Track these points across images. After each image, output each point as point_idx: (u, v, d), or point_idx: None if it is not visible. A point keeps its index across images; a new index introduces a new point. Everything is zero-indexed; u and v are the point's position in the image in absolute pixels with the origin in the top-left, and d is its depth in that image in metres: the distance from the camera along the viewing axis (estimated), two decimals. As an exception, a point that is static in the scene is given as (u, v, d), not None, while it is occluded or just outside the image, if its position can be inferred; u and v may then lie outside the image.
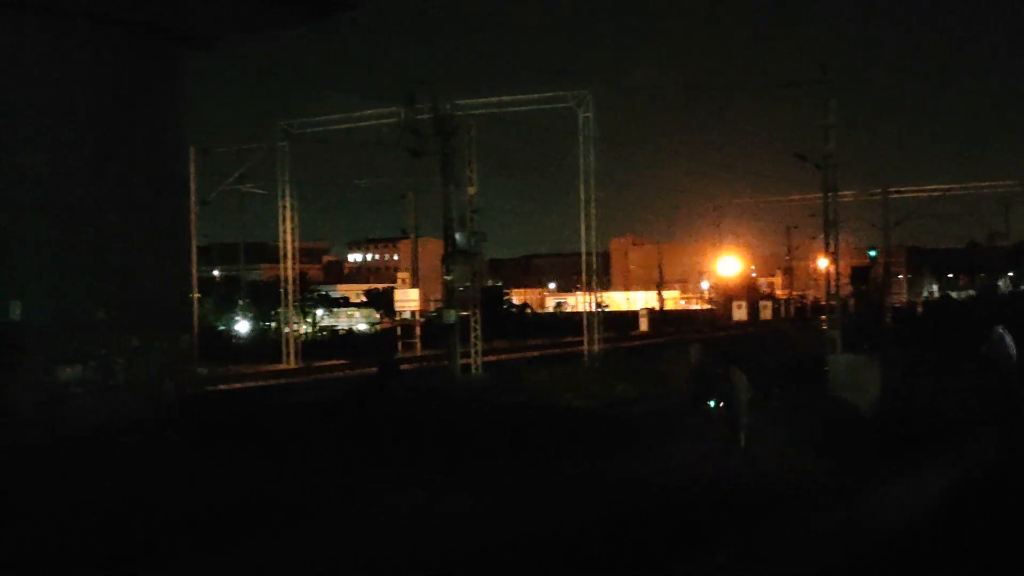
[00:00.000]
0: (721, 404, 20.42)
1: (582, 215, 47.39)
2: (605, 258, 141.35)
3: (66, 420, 21.16)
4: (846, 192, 71.06)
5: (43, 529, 13.61)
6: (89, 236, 23.41)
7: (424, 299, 70.44)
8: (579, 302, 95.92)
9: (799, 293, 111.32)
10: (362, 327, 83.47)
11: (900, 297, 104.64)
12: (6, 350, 17.19)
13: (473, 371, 38.91)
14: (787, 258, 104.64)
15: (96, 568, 12.36)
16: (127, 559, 12.65)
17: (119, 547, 13.08)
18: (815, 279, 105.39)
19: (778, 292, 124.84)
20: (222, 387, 34.25)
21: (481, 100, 44.52)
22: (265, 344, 57.35)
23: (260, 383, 37.56)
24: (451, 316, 38.74)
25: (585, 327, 47.88)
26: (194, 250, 26.91)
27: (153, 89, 25.10)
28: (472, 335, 39.89)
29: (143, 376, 24.26)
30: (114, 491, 15.77)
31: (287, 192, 51.68)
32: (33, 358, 21.29)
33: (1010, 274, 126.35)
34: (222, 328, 66.74)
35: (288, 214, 51.99)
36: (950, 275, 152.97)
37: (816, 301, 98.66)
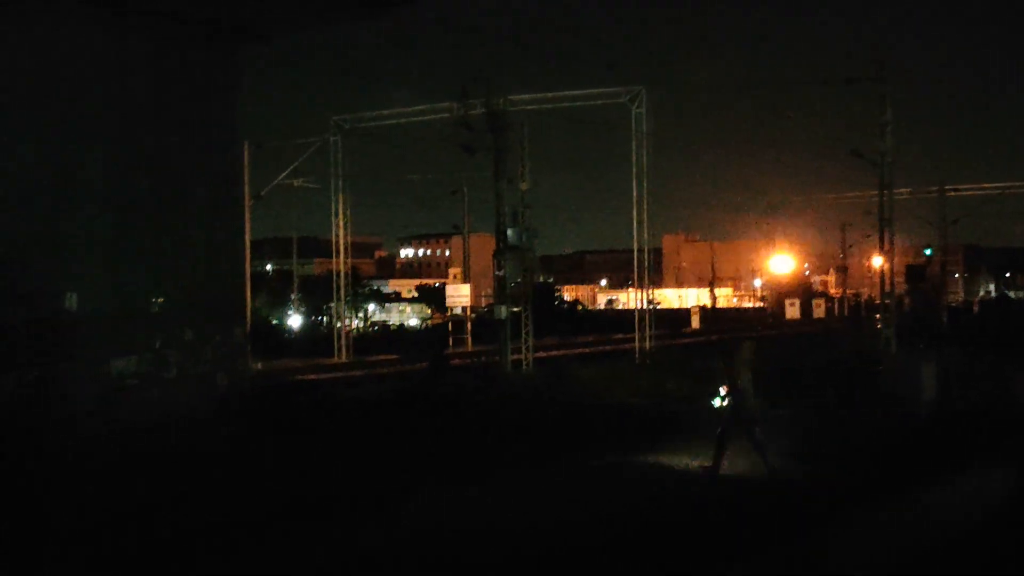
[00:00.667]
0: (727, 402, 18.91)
1: (635, 212, 47.27)
2: (657, 255, 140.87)
3: (121, 412, 21.33)
4: (902, 190, 70.45)
5: (98, 520, 13.71)
6: (144, 229, 23.60)
7: (475, 295, 70.50)
8: (631, 299, 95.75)
9: (853, 291, 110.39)
10: (413, 322, 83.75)
11: (956, 296, 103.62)
12: (63, 341, 17.33)
13: (524, 367, 38.88)
14: (841, 256, 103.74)
15: (152, 559, 12.44)
16: (180, 552, 12.74)
17: (172, 541, 13.16)
18: (870, 277, 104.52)
19: (831, 290, 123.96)
20: (274, 381, 34.42)
21: (534, 95, 44.50)
22: (317, 339, 57.66)
23: (312, 377, 37.73)
24: (502, 312, 38.77)
25: (636, 324, 47.74)
26: (247, 244, 27.02)
27: (208, 83, 25.25)
28: (523, 331, 39.87)
29: (197, 369, 24.44)
30: (168, 484, 15.88)
31: (340, 187, 51.92)
32: (89, 350, 21.44)
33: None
34: (275, 322, 67.16)
35: (341, 209, 52.21)
36: (1008, 274, 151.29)
37: (870, 300, 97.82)
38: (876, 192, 40.70)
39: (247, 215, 27.38)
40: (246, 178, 27.43)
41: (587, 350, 50.77)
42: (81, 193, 22.26)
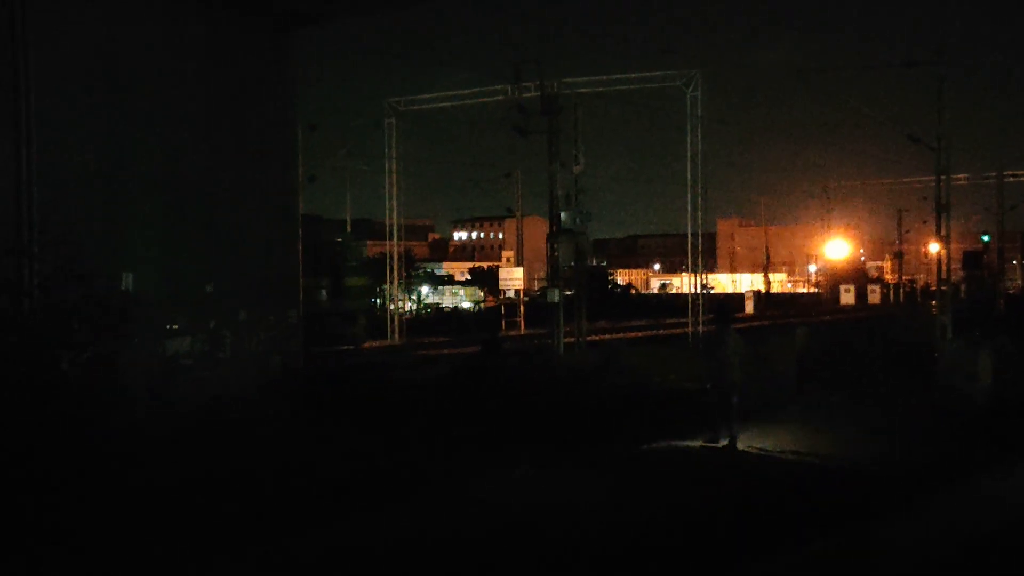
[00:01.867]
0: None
1: (689, 195, 47.07)
2: (711, 239, 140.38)
3: (174, 392, 21.48)
4: (960, 175, 69.75)
5: (158, 501, 13.81)
6: (199, 210, 23.73)
7: (528, 278, 70.49)
8: (684, 283, 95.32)
9: (908, 278, 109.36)
10: (466, 305, 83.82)
11: (1014, 283, 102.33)
12: (118, 321, 17.43)
13: (576, 351, 38.79)
14: (897, 242, 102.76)
15: (201, 540, 12.51)
16: (234, 532, 12.79)
17: (227, 520, 13.23)
18: (926, 264, 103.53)
19: (887, 276, 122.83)
20: (328, 362, 34.53)
21: (588, 78, 44.33)
22: (370, 320, 57.86)
23: (365, 359, 37.81)
24: (555, 295, 38.69)
25: (690, 309, 47.52)
26: (300, 226, 27.07)
27: (262, 64, 25.34)
28: (576, 315, 39.78)
29: (251, 350, 24.58)
30: (223, 464, 15.97)
31: (394, 169, 52.00)
32: (144, 330, 21.58)
33: None
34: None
35: (394, 191, 52.33)
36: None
37: (926, 286, 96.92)
38: (933, 177, 40.18)
39: (300, 196, 27.39)
40: (299, 159, 27.41)
41: (640, 334, 50.64)
42: (136, 175, 22.41)
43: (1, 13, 19.58)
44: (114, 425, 15.14)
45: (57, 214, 19.64)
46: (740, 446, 19.33)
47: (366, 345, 42.70)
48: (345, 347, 39.12)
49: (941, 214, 39.55)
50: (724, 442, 19.27)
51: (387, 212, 53.06)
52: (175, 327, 22.99)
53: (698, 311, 46.72)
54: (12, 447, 13.40)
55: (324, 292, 40.20)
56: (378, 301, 66.19)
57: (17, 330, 15.51)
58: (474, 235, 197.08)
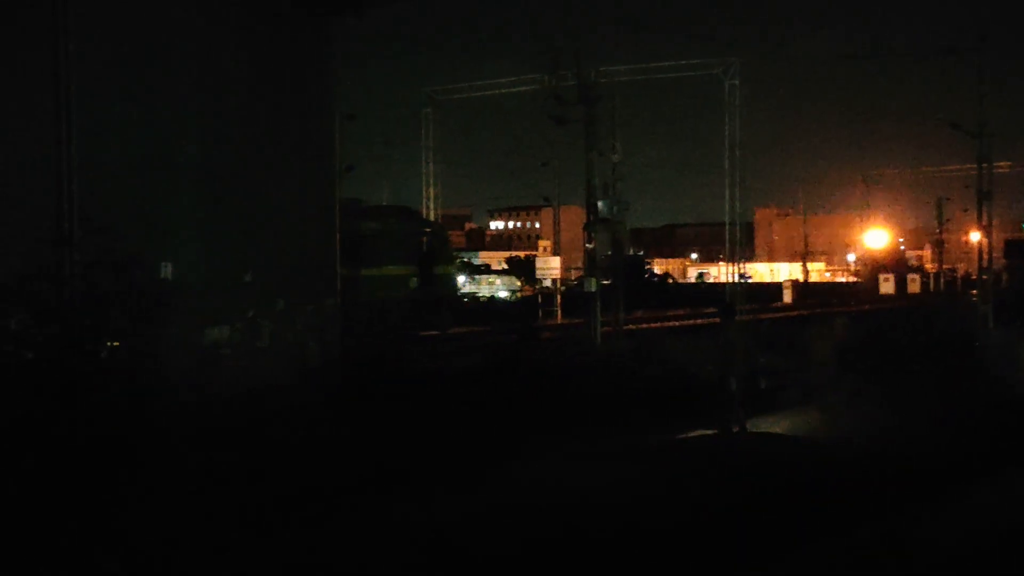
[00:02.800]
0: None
1: (727, 184, 46.92)
2: (749, 228, 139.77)
3: (213, 380, 21.58)
4: (1002, 163, 69.14)
5: (195, 488, 13.91)
6: (237, 199, 23.82)
7: (564, 267, 70.38)
8: (722, 273, 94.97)
9: (949, 267, 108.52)
10: (503, 294, 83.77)
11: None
12: (157, 310, 17.53)
13: (613, 340, 38.71)
14: (937, 231, 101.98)
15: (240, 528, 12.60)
16: (272, 522, 12.88)
17: (265, 509, 13.32)
18: (967, 252, 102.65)
19: (927, 265, 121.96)
20: (365, 350, 34.64)
21: (626, 67, 44.23)
22: (455, 307, 57.80)
23: (402, 347, 37.86)
24: (592, 284, 38.59)
25: (728, 298, 47.34)
26: (337, 215, 27.16)
27: (302, 53, 25.43)
28: (613, 304, 39.69)
29: (289, 339, 24.67)
30: (262, 452, 16.08)
31: (431, 158, 52.06)
32: (183, 319, 21.68)
33: None
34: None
35: (431, 180, 52.37)
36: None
37: (967, 275, 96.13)
38: (974, 165, 39.86)
39: (338, 186, 27.46)
40: (337, 148, 27.48)
41: (677, 323, 50.46)
42: (175, 165, 22.49)
43: (43, 1, 19.70)
44: (155, 413, 15.25)
45: (97, 203, 19.72)
46: (779, 431, 19.36)
47: (452, 331, 43.40)
48: (433, 332, 40.55)
49: (982, 202, 39.28)
50: (736, 428, 19.43)
51: (424, 201, 53.14)
52: (213, 316, 23.07)
53: (735, 300, 46.50)
54: (55, 436, 13.53)
55: (415, 280, 41.15)
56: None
57: (58, 319, 15.64)
58: (511, 224, 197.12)
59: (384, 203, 68.89)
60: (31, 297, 15.40)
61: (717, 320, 22.77)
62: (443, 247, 46.03)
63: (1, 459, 12.83)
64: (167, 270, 21.88)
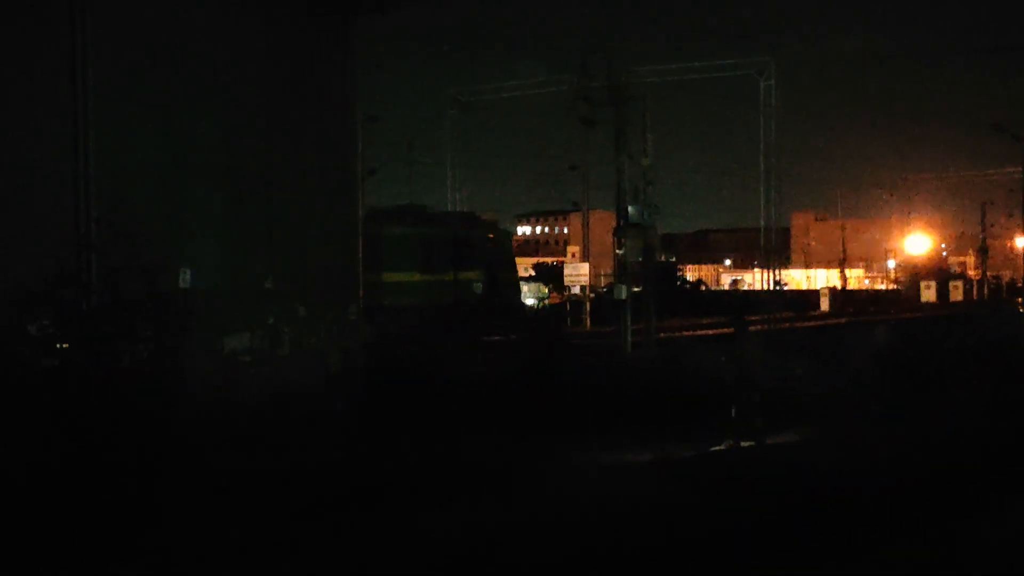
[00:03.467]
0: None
1: (762, 188, 46.99)
2: (785, 234, 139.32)
3: (233, 387, 21.76)
4: (1048, 166, 68.75)
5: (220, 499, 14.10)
6: (258, 203, 24.02)
7: (593, 274, 70.42)
8: (756, 280, 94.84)
9: (993, 274, 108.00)
10: (530, 302, 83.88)
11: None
12: (176, 316, 17.72)
13: (644, 349, 38.79)
14: (981, 236, 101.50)
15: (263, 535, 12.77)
16: (296, 532, 13.04)
17: (288, 518, 13.49)
18: (1012, 259, 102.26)
19: (970, 272, 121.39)
20: (388, 358, 34.79)
21: (657, 67, 44.35)
22: (516, 312, 57.92)
23: (428, 354, 37.96)
24: (622, 291, 38.70)
25: (763, 306, 47.33)
26: (360, 220, 27.37)
27: (324, 55, 25.63)
28: (644, 312, 39.77)
29: (310, 346, 24.85)
30: (285, 461, 16.24)
31: (455, 162, 52.23)
32: (203, 325, 21.85)
33: None
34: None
35: (456, 184, 52.55)
36: None
37: (1012, 282, 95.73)
38: (1020, 168, 39.79)
39: (361, 190, 27.66)
40: (360, 152, 27.66)
41: (710, 332, 50.42)
42: (195, 168, 22.70)
43: (60, 2, 19.95)
44: (177, 420, 15.47)
45: (116, 207, 19.96)
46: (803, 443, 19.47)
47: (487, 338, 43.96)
48: (496, 337, 40.69)
49: (1027, 207, 39.14)
50: (749, 443, 19.66)
51: (448, 206, 53.29)
52: (233, 323, 23.27)
53: (770, 308, 46.53)
54: (82, 440, 13.77)
55: (479, 286, 41.73)
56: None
57: (83, 324, 15.88)
58: (538, 230, 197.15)
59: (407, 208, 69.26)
60: (57, 303, 15.64)
61: (752, 328, 22.83)
62: (507, 253, 47.26)
63: (22, 466, 13.07)
64: (186, 276, 22.07)
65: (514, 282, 47.61)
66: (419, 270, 38.33)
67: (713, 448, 19.57)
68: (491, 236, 45.52)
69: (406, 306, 38.30)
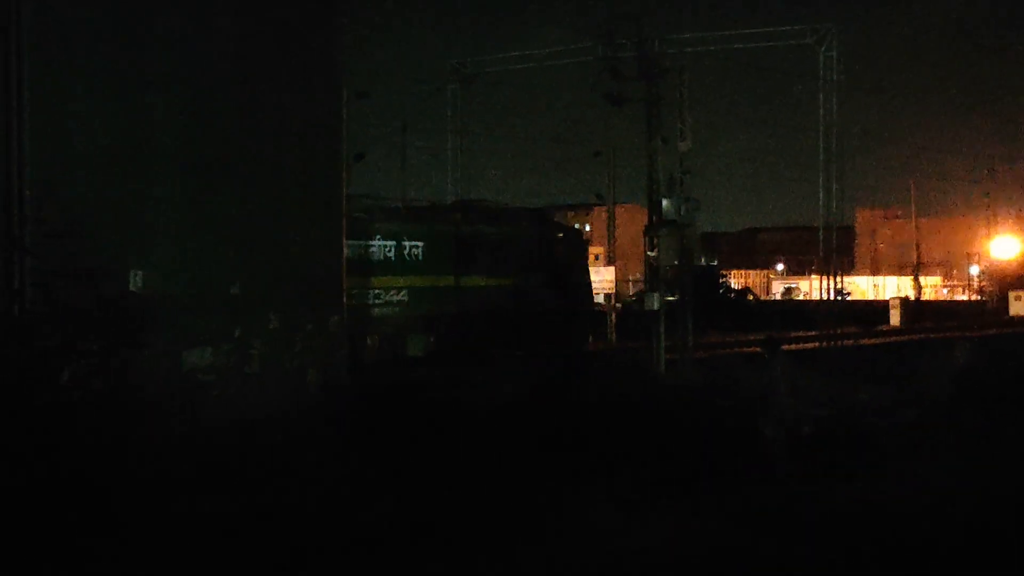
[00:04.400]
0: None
1: (820, 179, 46.79)
2: (848, 234, 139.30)
3: (195, 411, 21.72)
4: None
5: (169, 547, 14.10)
6: (224, 194, 23.97)
7: (620, 280, 70.35)
8: (814, 288, 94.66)
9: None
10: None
11: None
12: (125, 327, 17.67)
13: (680, 369, 38.73)
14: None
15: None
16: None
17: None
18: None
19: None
20: (378, 376, 34.79)
21: (697, 35, 44.30)
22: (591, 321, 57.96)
23: (425, 371, 37.96)
24: (654, 301, 38.62)
25: (821, 319, 47.26)
26: (344, 213, 27.29)
27: (305, 20, 25.61)
28: (680, 325, 39.69)
29: (284, 363, 24.81)
30: (255, 502, 16.26)
31: (458, 145, 52.18)
32: (156, 338, 21.77)
33: None
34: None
35: (458, 172, 52.49)
36: None
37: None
38: None
39: (346, 178, 27.58)
40: (345, 134, 27.58)
41: (758, 349, 50.37)
42: (152, 153, 22.63)
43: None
44: (127, 451, 15.47)
45: (55, 200, 19.90)
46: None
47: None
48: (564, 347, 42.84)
49: None
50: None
51: (448, 197, 53.28)
52: (193, 336, 23.22)
53: (831, 322, 46.45)
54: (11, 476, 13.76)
55: (547, 290, 42.84)
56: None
57: (12, 338, 15.85)
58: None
59: (403, 198, 69.37)
60: None
61: (809, 346, 22.83)
62: (579, 255, 48.31)
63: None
64: (137, 279, 22.00)
65: (587, 286, 48.64)
66: (485, 273, 39.49)
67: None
68: (560, 236, 46.88)
69: (468, 312, 39.22)
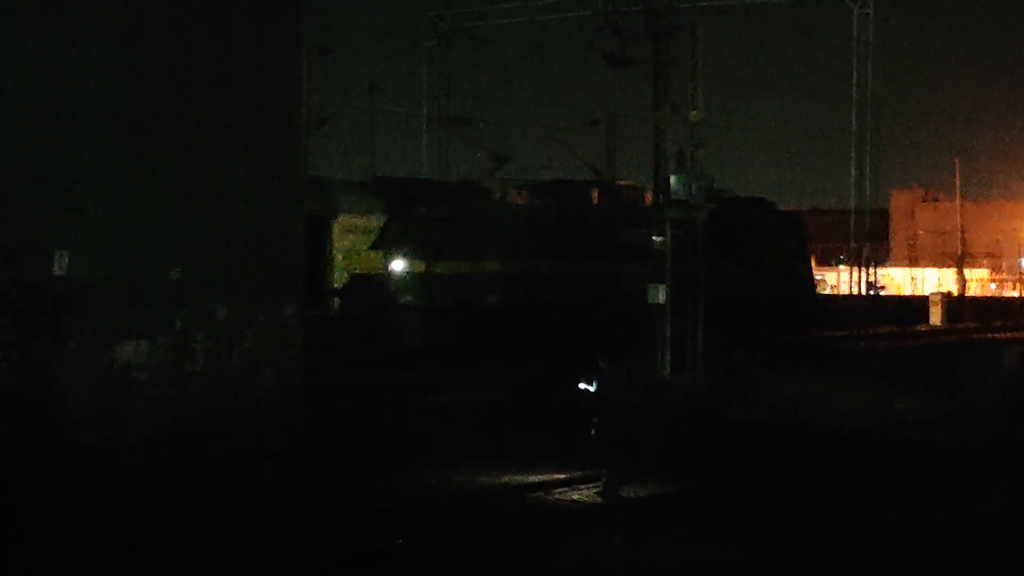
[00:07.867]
0: None
1: (852, 156, 46.80)
2: (883, 218, 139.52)
3: (127, 414, 21.66)
4: None
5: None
6: (165, 164, 23.88)
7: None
8: (843, 280, 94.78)
9: None
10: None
11: None
12: (47, 317, 17.58)
13: (688, 370, 38.66)
14: None
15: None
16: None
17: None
18: None
19: None
20: (338, 376, 34.73)
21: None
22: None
23: (391, 371, 37.82)
24: (660, 293, 38.53)
25: (851, 316, 47.29)
26: (302, 188, 27.19)
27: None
28: (688, 320, 39.63)
29: (231, 360, 24.74)
30: (190, 517, 16.24)
31: (435, 110, 52.10)
32: (84, 330, 21.69)
33: None
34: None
35: (435, 141, 52.43)
36: None
37: None
38: None
39: (307, 147, 27.51)
40: (304, 96, 27.50)
41: (778, 349, 50.44)
42: (80, 113, 22.55)
43: None
44: (48, 457, 15.43)
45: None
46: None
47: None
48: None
49: None
50: None
51: (423, 171, 53.23)
52: (127, 327, 23.14)
53: (862, 319, 46.49)
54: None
55: (773, 277, 45.82)
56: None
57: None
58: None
59: (372, 174, 69.47)
60: None
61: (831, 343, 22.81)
62: (803, 243, 52.84)
63: None
64: (63, 261, 21.87)
65: (810, 275, 53.26)
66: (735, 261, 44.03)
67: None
68: (785, 224, 51.38)
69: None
